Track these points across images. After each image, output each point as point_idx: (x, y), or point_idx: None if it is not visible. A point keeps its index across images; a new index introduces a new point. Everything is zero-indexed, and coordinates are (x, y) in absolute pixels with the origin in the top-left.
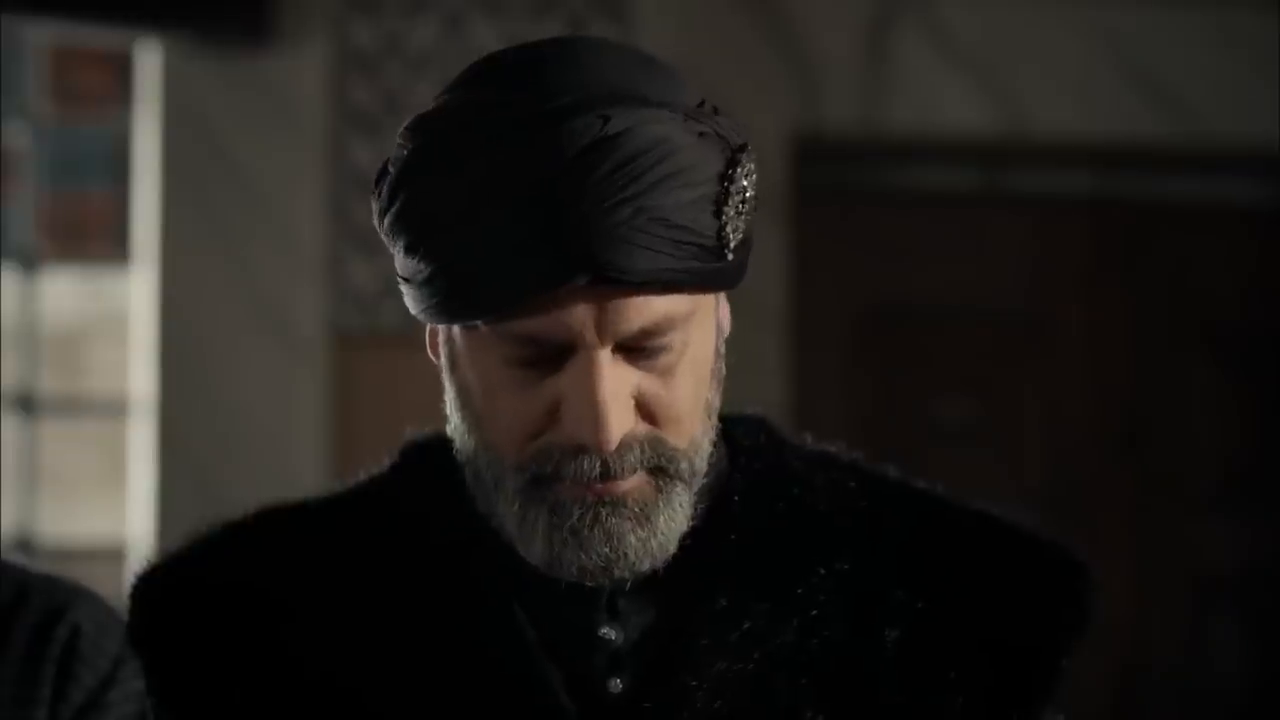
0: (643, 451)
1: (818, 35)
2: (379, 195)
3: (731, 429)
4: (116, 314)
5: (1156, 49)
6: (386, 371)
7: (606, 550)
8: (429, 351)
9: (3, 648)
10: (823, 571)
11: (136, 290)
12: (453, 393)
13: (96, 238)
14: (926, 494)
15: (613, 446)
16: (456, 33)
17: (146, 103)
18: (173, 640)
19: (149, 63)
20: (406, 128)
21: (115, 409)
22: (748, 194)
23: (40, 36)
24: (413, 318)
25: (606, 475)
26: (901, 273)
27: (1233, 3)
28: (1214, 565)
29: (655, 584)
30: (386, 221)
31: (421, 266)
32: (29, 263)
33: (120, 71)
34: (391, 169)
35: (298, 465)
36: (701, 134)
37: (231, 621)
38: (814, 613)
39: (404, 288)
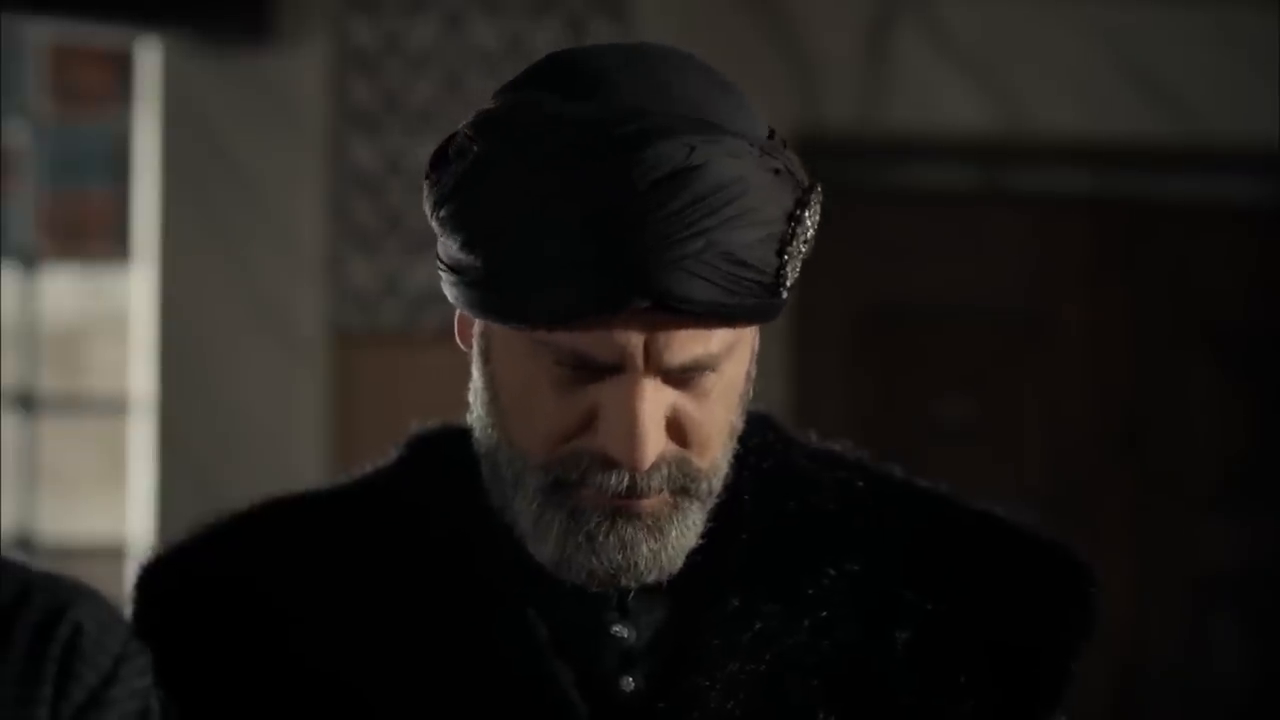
0: (670, 472)
1: (818, 34)
2: (435, 184)
3: None
4: (116, 313)
5: (1156, 48)
6: (386, 370)
7: (619, 558)
8: (457, 338)
9: (4, 646)
10: (833, 572)
11: (136, 289)
12: (481, 384)
13: (96, 237)
14: (932, 494)
15: (646, 467)
16: (456, 31)
17: (146, 102)
18: (178, 630)
19: (149, 61)
20: (474, 124)
21: (115, 408)
22: (810, 234)
23: (40, 35)
24: (413, 316)
25: (633, 492)
26: (901, 272)
27: (1233, 2)
28: (1214, 565)
29: (666, 583)
30: (443, 212)
31: (477, 264)
32: (29, 261)
33: (120, 70)
34: (454, 162)
35: (298, 464)
36: (776, 171)
37: (237, 613)
38: (825, 614)
39: (447, 277)
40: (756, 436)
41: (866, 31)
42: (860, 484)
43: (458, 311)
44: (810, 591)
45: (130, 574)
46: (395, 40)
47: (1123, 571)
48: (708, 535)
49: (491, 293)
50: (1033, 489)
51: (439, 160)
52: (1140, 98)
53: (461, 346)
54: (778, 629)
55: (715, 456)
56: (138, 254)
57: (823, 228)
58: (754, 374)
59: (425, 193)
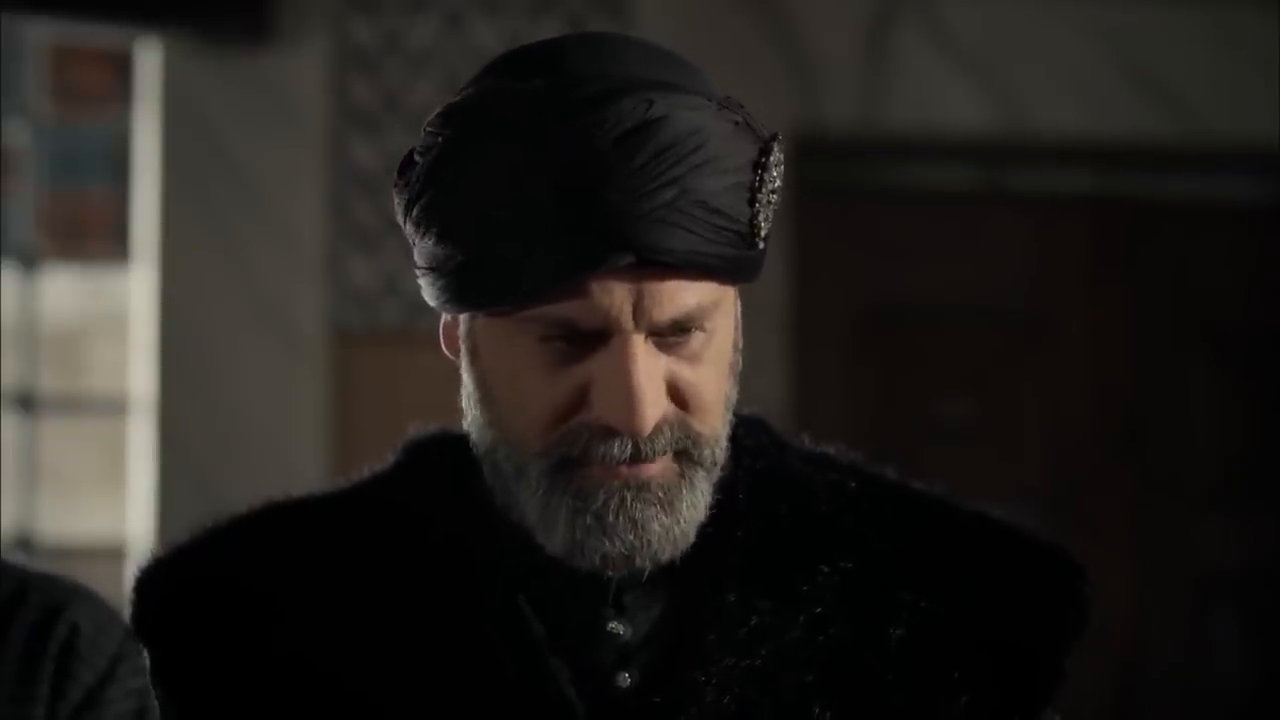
0: (672, 433)
1: (818, 33)
2: (405, 186)
3: (732, 429)
4: (116, 313)
5: (1157, 47)
6: (387, 370)
7: (631, 538)
8: (443, 346)
9: (1, 646)
10: (827, 570)
11: (136, 289)
12: (472, 385)
13: (96, 237)
14: (926, 495)
15: (648, 430)
16: (456, 31)
17: (146, 101)
18: (177, 633)
19: (149, 61)
20: (438, 115)
21: (115, 408)
22: (777, 184)
23: (40, 35)
24: (413, 316)
25: (638, 458)
26: (901, 271)
27: (1233, 2)
28: (1214, 564)
29: (662, 579)
30: (416, 210)
31: (454, 253)
32: (29, 261)
33: (120, 70)
34: (420, 159)
35: (298, 464)
36: (735, 123)
37: (235, 615)
38: (819, 610)
39: (427, 278)
40: (751, 439)
41: (866, 31)
42: (853, 485)
43: (442, 320)
44: (805, 588)
45: (130, 574)
46: (395, 40)
47: (1123, 571)
48: (703, 532)
49: (472, 279)
50: (1032, 489)
51: (406, 164)
52: (1140, 98)
53: (449, 355)
54: (773, 625)
55: (716, 424)
56: (138, 254)
57: (823, 228)
58: (740, 345)
59: (396, 200)
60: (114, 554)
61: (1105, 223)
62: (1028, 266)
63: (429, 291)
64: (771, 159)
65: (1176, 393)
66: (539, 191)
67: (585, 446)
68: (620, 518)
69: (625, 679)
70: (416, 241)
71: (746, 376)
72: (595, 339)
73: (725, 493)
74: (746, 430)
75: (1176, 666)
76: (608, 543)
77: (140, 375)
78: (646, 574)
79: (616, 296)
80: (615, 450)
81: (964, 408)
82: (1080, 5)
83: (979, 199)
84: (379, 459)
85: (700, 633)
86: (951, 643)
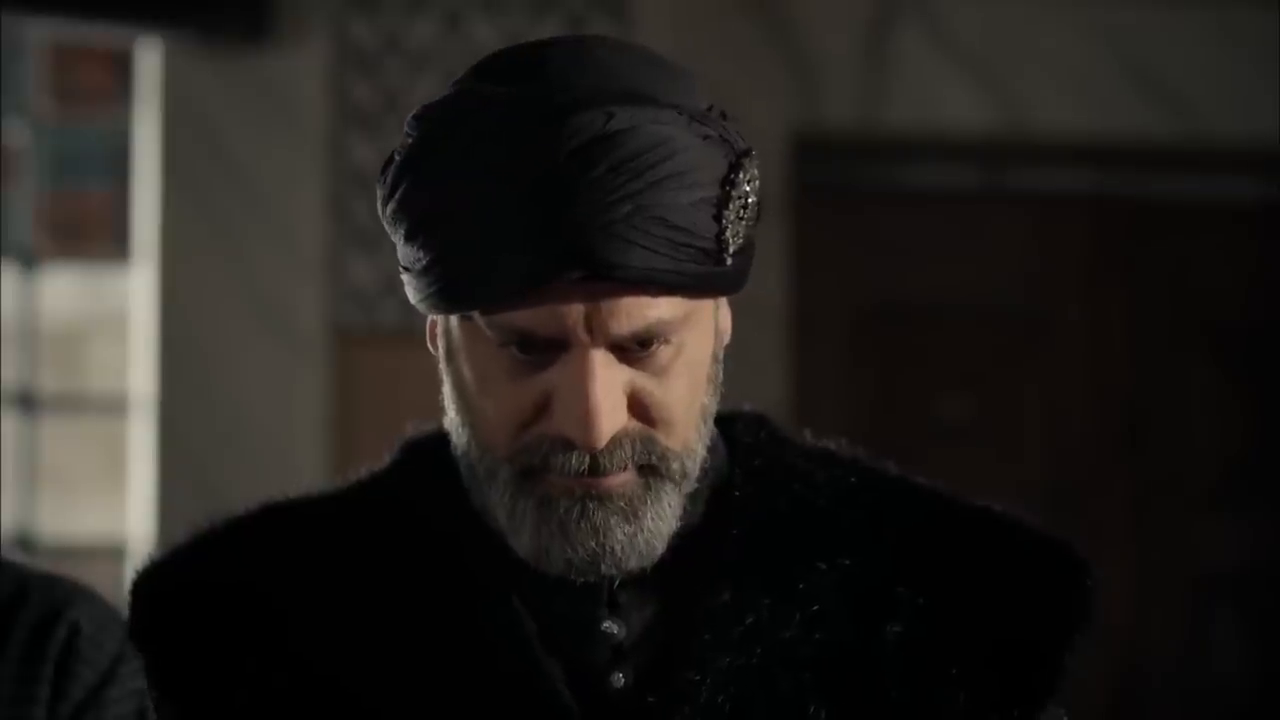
0: (634, 447)
1: (818, 33)
2: (383, 183)
3: (730, 426)
4: (116, 312)
5: (1157, 47)
6: (387, 369)
7: (593, 544)
8: (428, 344)
9: (2, 646)
10: (824, 567)
11: (136, 289)
12: (449, 385)
13: (96, 236)
14: (927, 490)
15: (602, 444)
16: (456, 31)
17: (147, 101)
18: (174, 635)
19: (149, 61)
20: (413, 116)
21: (115, 407)
22: (749, 199)
23: (41, 35)
24: (413, 315)
25: (595, 471)
26: (901, 271)
27: (1233, 2)
28: (1214, 564)
29: (657, 578)
30: (389, 209)
31: (420, 255)
32: (29, 261)
33: (120, 70)
34: (397, 157)
35: (298, 463)
36: (706, 137)
37: (232, 616)
38: (816, 608)
39: (404, 277)
40: (749, 435)
41: (866, 31)
42: (853, 480)
43: (428, 318)
44: (801, 586)
45: (130, 574)
46: (395, 40)
47: (1123, 571)
48: (698, 531)
49: (437, 282)
50: (1033, 488)
51: (387, 162)
52: (1140, 98)
53: (432, 351)
54: (769, 623)
55: (687, 437)
56: (138, 254)
57: (823, 228)
58: (722, 356)
59: (377, 195)
60: (114, 554)
61: (1105, 223)
62: (1027, 266)
63: (408, 291)
64: (742, 175)
65: (1176, 393)
66: (500, 199)
67: (545, 457)
68: (583, 524)
69: (619, 679)
70: (394, 239)
71: (746, 374)
72: (556, 349)
73: (721, 490)
74: (745, 427)
75: (1176, 666)
76: (569, 549)
77: (140, 375)
78: (641, 573)
79: (573, 309)
80: (573, 462)
81: (964, 407)
82: (1080, 5)
83: (979, 198)
84: (379, 459)
85: (695, 632)
86: (951, 639)
